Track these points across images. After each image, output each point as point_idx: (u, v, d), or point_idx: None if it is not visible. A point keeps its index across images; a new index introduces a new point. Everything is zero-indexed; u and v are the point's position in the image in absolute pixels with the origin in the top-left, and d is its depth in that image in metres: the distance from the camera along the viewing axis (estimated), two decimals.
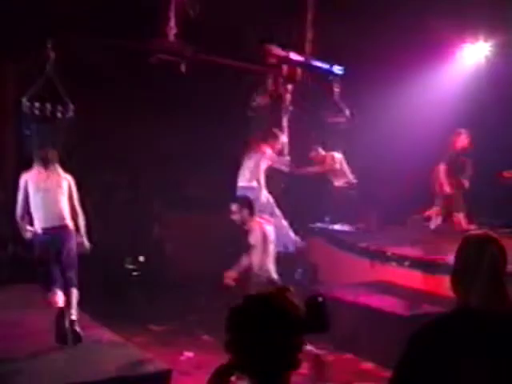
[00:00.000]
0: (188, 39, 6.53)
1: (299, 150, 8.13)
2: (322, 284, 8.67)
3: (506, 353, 2.03)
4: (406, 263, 7.46)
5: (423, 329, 2.15)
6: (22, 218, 5.85)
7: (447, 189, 8.73)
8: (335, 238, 9.03)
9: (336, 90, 7.85)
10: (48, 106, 6.05)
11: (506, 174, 8.50)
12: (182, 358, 6.15)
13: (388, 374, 5.65)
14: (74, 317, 5.42)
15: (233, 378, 1.83)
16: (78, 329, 5.32)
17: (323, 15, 7.77)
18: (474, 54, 9.08)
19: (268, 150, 7.81)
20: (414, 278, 7.29)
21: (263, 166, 7.75)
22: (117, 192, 9.68)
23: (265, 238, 6.24)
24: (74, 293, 5.65)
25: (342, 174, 9.00)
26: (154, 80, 9.02)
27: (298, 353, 1.84)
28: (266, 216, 6.78)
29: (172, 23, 6.37)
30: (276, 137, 7.90)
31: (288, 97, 7.25)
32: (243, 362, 1.83)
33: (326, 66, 7.78)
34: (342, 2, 8.06)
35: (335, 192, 9.19)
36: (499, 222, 8.46)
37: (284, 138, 7.95)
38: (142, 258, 9.28)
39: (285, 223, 7.76)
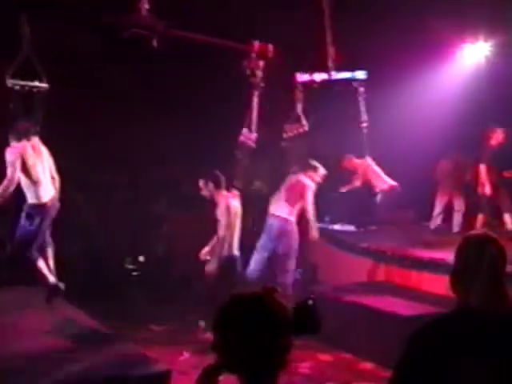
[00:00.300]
0: (162, 14, 6.52)
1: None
2: (322, 284, 8.67)
3: (506, 353, 2.03)
4: (406, 263, 7.46)
5: (423, 329, 2.15)
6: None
7: (488, 190, 8.43)
8: (335, 238, 9.03)
9: (361, 95, 7.85)
10: (27, 82, 6.32)
11: (506, 174, 8.49)
12: (182, 358, 6.16)
13: (387, 373, 5.66)
14: (52, 266, 6.17)
15: (221, 378, 1.83)
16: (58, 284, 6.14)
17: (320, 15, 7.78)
18: (473, 54, 9.08)
19: (312, 184, 7.58)
20: (414, 278, 7.29)
21: (310, 199, 7.47)
22: (117, 192, 9.68)
23: (229, 211, 6.28)
24: (51, 251, 6.23)
25: (378, 178, 8.94)
26: (154, 80, 9.03)
27: (286, 353, 1.84)
28: (235, 191, 6.75)
29: None
30: (315, 169, 7.70)
31: (259, 73, 7.18)
32: (230, 362, 1.82)
33: (348, 75, 7.77)
34: (341, 2, 8.05)
35: (379, 197, 9.09)
36: (499, 222, 8.48)
37: (322, 170, 7.76)
38: (141, 258, 9.28)
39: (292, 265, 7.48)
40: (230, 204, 6.41)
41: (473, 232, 2.27)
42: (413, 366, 2.10)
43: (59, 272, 7.77)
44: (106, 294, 7.72)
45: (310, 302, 1.88)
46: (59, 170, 6.38)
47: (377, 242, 8.36)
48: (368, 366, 6.06)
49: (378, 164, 9.11)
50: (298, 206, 7.47)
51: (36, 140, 6.11)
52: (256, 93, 7.19)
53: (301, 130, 7.75)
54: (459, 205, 9.24)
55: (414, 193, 9.42)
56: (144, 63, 8.09)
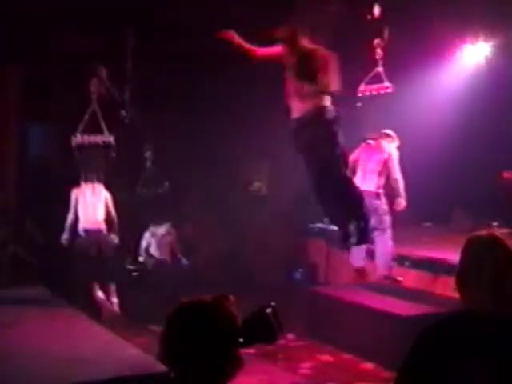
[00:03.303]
0: None
1: None
2: (322, 284, 8.67)
3: (506, 353, 2.02)
4: (406, 263, 7.46)
5: (425, 331, 2.15)
6: None
7: None
8: (335, 238, 9.01)
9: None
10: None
11: (506, 174, 8.49)
12: None
13: (388, 374, 5.68)
14: None
15: None
16: None
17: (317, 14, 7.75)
18: (474, 54, 9.08)
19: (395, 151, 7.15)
20: (414, 278, 7.29)
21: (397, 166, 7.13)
22: (117, 192, 9.67)
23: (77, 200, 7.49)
24: None
25: None
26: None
27: (231, 362, 1.81)
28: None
29: None
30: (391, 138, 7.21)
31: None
32: (175, 371, 1.83)
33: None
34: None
35: None
36: (499, 222, 8.47)
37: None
38: (141, 258, 9.27)
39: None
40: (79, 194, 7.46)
41: (477, 233, 2.25)
42: (415, 369, 2.10)
43: (59, 273, 7.80)
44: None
45: (269, 310, 1.83)
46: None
47: None
48: (369, 366, 6.06)
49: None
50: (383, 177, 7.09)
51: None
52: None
53: (381, 91, 7.08)
54: None
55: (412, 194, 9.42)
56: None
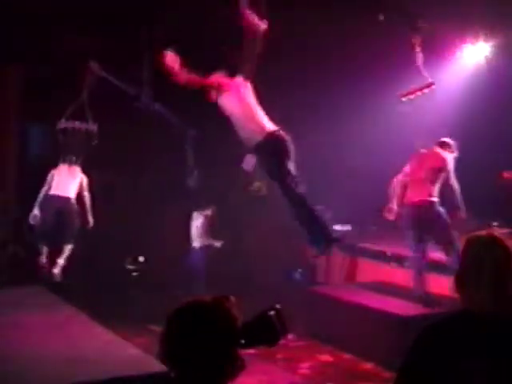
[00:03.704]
0: None
1: None
2: (322, 284, 8.67)
3: (505, 353, 2.02)
4: (406, 263, 7.46)
5: (424, 331, 2.15)
6: None
7: None
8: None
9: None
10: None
11: (506, 174, 8.48)
12: None
13: (388, 374, 5.68)
14: None
15: None
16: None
17: (314, 14, 7.76)
18: (474, 54, 9.07)
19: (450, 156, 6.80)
20: None
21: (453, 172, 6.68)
22: (117, 192, 9.69)
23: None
24: None
25: None
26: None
27: (231, 363, 1.81)
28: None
29: None
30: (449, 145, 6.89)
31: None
32: (173, 368, 1.83)
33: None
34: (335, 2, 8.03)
35: None
36: (499, 222, 8.47)
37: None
38: (141, 258, 9.28)
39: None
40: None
41: (477, 233, 2.24)
42: (415, 369, 2.10)
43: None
44: (106, 294, 7.73)
45: (272, 312, 1.84)
46: None
47: (377, 242, 8.36)
48: (368, 366, 6.06)
49: (371, 164, 9.08)
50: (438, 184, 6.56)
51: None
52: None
53: (426, 90, 6.72)
54: None
55: None
56: None
